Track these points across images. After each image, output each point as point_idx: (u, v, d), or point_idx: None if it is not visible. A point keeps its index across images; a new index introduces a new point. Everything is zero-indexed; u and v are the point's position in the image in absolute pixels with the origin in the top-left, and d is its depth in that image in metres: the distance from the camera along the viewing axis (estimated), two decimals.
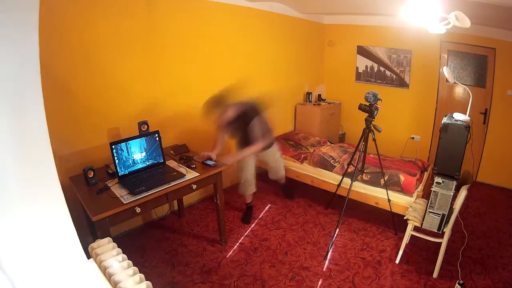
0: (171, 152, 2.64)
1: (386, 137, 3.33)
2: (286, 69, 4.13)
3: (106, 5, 2.25)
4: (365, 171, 2.78)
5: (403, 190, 2.71)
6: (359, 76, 4.56)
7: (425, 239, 2.34)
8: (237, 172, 2.92)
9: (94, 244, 1.61)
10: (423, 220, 2.26)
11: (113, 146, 2.06)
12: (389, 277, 2.28)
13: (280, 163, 3.13)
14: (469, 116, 2.11)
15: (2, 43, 1.11)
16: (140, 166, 2.22)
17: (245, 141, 2.59)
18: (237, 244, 2.66)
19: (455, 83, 3.59)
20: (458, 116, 2.11)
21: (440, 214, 2.17)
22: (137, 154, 2.20)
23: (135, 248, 2.55)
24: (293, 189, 3.49)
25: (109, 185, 2.02)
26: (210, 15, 2.99)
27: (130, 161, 2.17)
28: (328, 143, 3.75)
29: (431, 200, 2.17)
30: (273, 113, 4.04)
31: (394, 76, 4.24)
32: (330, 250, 2.58)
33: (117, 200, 1.86)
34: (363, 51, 4.42)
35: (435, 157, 2.14)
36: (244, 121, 2.51)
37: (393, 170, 2.85)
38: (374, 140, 2.60)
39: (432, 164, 2.79)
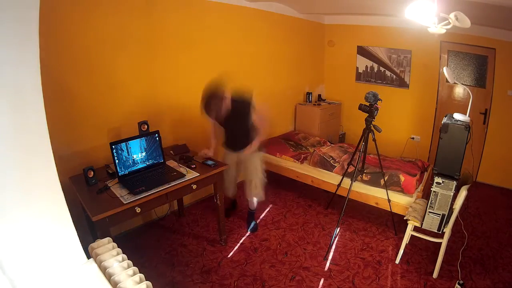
0: (171, 152, 2.64)
1: (386, 137, 3.33)
2: (286, 69, 4.13)
3: (107, 5, 2.25)
4: (365, 171, 2.78)
5: (403, 190, 2.71)
6: (359, 76, 4.57)
7: (425, 239, 2.34)
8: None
9: (94, 244, 1.61)
10: (423, 220, 2.26)
11: (113, 146, 2.06)
12: (389, 277, 2.28)
13: (259, 174, 2.65)
14: (469, 116, 2.11)
15: (2, 42, 1.10)
16: (140, 166, 2.22)
17: (244, 133, 2.44)
18: (237, 244, 2.66)
19: (455, 83, 3.60)
20: (458, 116, 2.11)
21: (440, 214, 2.17)
22: (137, 154, 2.20)
23: (135, 248, 2.55)
24: (256, 221, 2.97)
25: (109, 185, 2.02)
26: (210, 15, 2.99)
27: (130, 161, 2.17)
28: (328, 143, 3.75)
29: (431, 200, 2.17)
30: (273, 113, 4.07)
31: (394, 76, 4.24)
32: (330, 250, 2.58)
33: (117, 200, 1.85)
34: (363, 51, 4.42)
35: (435, 157, 2.14)
36: (243, 111, 2.33)
37: (393, 170, 2.85)
38: (374, 140, 2.60)
39: (432, 164, 2.79)
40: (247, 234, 2.80)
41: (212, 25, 3.03)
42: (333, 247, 2.63)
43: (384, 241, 2.72)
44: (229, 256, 2.51)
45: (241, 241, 2.70)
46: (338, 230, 2.75)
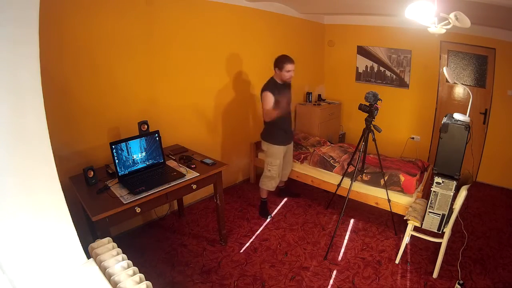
0: (171, 152, 2.64)
1: (386, 137, 3.34)
2: None
3: (107, 5, 2.25)
4: (365, 171, 2.78)
5: (403, 190, 2.71)
6: (359, 76, 4.56)
7: (425, 239, 2.34)
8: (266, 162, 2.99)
9: (94, 244, 1.61)
10: (423, 220, 2.26)
11: (113, 146, 2.06)
12: (389, 277, 2.28)
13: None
14: (469, 116, 2.11)
15: (2, 42, 1.10)
16: (140, 166, 2.22)
17: (291, 123, 2.98)
18: (237, 244, 2.66)
19: (455, 83, 3.60)
20: (458, 116, 2.11)
21: (440, 214, 2.17)
22: (137, 154, 2.20)
23: (135, 248, 2.55)
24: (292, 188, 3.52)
25: (109, 185, 2.02)
26: (210, 15, 2.99)
27: (130, 161, 2.17)
28: (328, 143, 3.74)
29: (431, 200, 2.17)
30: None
31: (394, 76, 4.24)
32: (330, 250, 2.58)
33: (117, 200, 1.86)
34: (363, 51, 4.42)
35: (435, 157, 2.14)
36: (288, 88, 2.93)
37: (393, 170, 2.85)
38: (374, 140, 2.60)
39: (432, 164, 2.79)
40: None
41: (212, 25, 3.03)
42: (333, 247, 2.63)
43: (384, 241, 2.72)
44: (229, 256, 2.51)
45: (240, 241, 2.70)
46: (337, 230, 2.74)
